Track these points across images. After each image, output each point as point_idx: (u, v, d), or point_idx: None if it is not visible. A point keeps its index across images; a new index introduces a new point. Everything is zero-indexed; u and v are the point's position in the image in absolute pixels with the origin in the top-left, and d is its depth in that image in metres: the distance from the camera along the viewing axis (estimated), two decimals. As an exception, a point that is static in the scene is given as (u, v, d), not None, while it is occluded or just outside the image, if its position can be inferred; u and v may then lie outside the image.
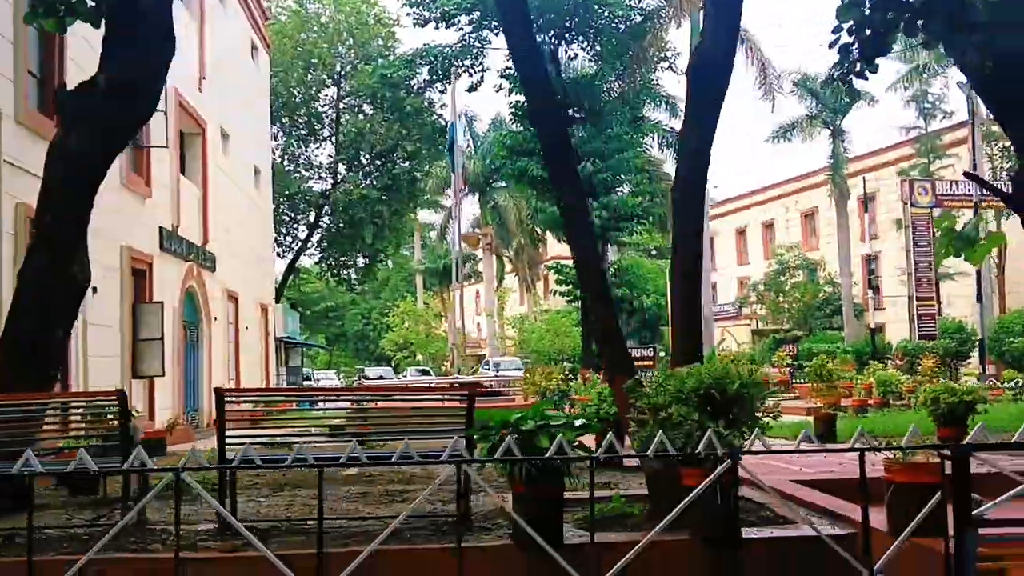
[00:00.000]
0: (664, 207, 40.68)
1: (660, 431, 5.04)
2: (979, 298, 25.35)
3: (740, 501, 6.91)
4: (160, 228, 19.17)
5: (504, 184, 44.98)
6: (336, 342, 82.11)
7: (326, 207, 40.43)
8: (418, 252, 69.61)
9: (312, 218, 41.02)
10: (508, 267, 61.30)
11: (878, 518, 5.71)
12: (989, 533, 4.97)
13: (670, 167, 43.25)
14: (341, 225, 40.40)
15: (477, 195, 54.74)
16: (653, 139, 41.75)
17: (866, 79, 8.58)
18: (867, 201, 48.85)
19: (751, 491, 7.53)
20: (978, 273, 25.56)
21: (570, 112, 36.08)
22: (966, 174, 9.44)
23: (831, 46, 8.41)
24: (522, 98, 36.09)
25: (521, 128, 36.20)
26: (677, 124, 46.86)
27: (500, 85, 35.95)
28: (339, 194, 39.34)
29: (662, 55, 35.26)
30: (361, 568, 4.76)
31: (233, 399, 7.23)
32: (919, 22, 8.06)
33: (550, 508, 5.77)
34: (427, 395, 9.30)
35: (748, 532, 6.02)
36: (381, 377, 47.52)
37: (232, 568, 5.78)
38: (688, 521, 5.75)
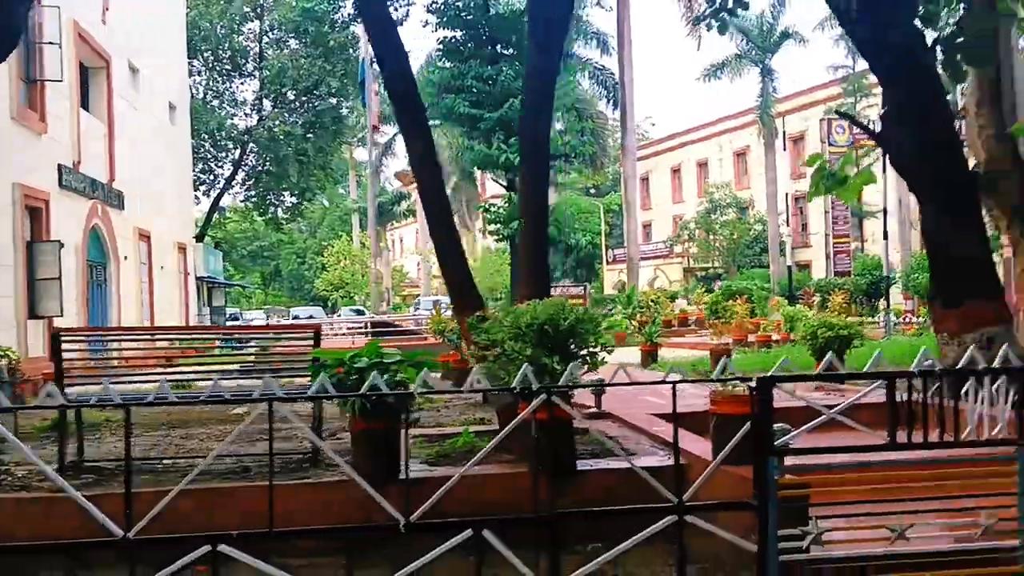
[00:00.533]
0: (595, 145, 40.66)
1: (478, 366, 5.07)
2: (885, 235, 25.84)
3: (589, 434, 7.03)
4: (59, 165, 18.59)
5: (437, 122, 44.47)
6: (271, 282, 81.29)
7: (251, 144, 39.61)
8: (353, 191, 68.87)
9: (236, 155, 40.17)
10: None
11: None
12: (794, 462, 5.13)
13: (602, 106, 43.16)
14: (266, 163, 39.67)
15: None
16: (585, 77, 41.60)
17: (736, 16, 8.58)
18: (796, 140, 49.30)
19: (610, 424, 7.65)
20: (884, 211, 26.05)
21: (497, 48, 35.73)
22: (838, 112, 9.53)
23: (703, -20, 8.36)
24: (450, 33, 35.61)
25: (449, 65, 35.73)
26: (609, 61, 46.70)
27: (427, 20, 35.40)
28: (263, 131, 38.54)
29: (591, -10, 34.95)
30: (176, 506, 4.74)
31: (71, 339, 7.10)
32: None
33: (386, 443, 5.79)
34: (276, 335, 9.24)
35: (584, 464, 6.11)
36: (311, 317, 47.17)
37: (48, 508, 5.72)
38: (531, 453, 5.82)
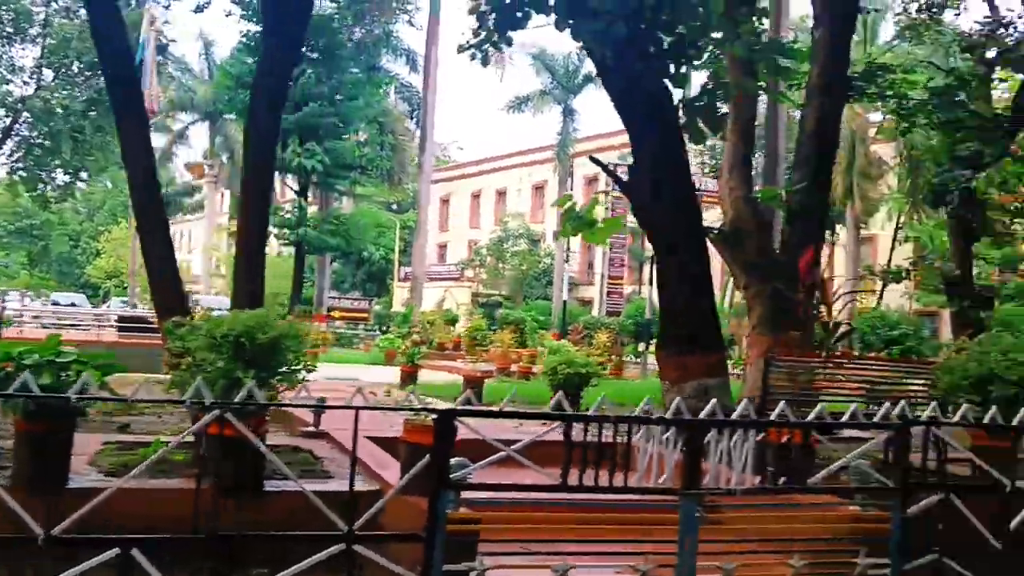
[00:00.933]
0: (393, 160, 40.53)
1: (172, 374, 4.78)
2: (649, 280, 27.00)
3: (292, 452, 6.81)
4: None
5: (232, 117, 42.93)
6: (39, 263, 75.57)
7: (25, 114, 36.71)
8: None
9: (7, 124, 37.11)
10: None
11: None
12: (473, 497, 5.13)
13: (411, 124, 43.06)
14: (39, 136, 36.87)
15: (207, 124, 52.11)
16: (391, 92, 41.45)
17: (500, 51, 8.67)
18: (591, 181, 51.09)
19: (323, 444, 7.47)
20: (651, 258, 27.20)
21: (303, 50, 34.95)
22: (591, 158, 9.85)
23: (470, 12, 8.41)
24: (251, 26, 34.47)
25: (250, 60, 34.56)
26: (417, 80, 46.67)
27: (230, 11, 34.20)
28: (39, 101, 35.82)
29: (402, 6, 34.88)
30: None
31: None
32: (550, 2, 8.21)
33: (51, 448, 5.35)
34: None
35: (274, 485, 5.89)
36: (73, 304, 44.09)
37: None
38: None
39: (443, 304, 50.57)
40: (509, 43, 8.38)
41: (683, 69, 8.46)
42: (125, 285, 59.10)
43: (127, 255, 57.50)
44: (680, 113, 8.51)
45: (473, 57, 8.45)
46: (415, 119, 40.94)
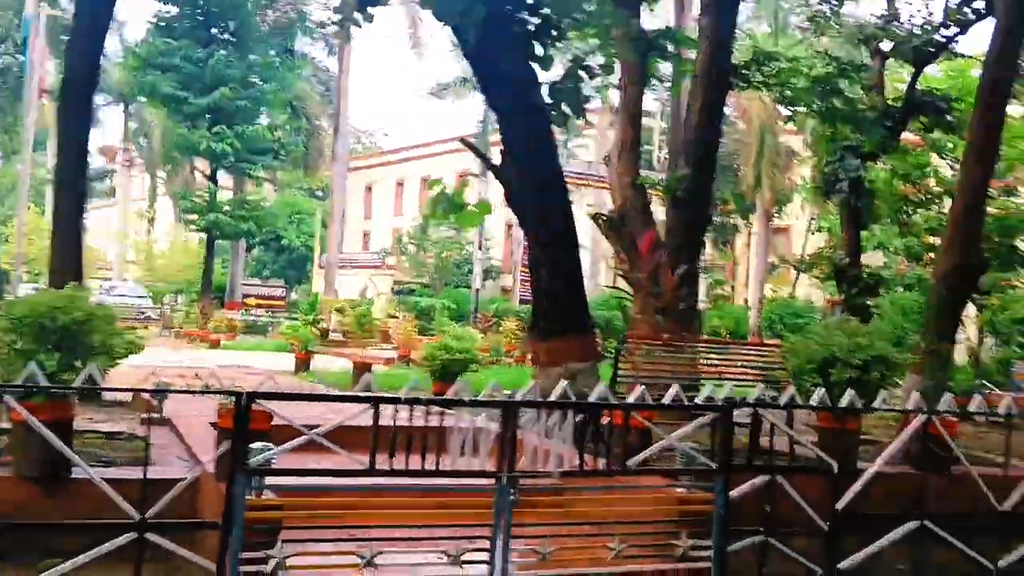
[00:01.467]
0: (309, 145, 39.93)
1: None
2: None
3: (128, 440, 6.58)
4: None
5: (143, 99, 41.76)
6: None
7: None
8: (52, 160, 63.34)
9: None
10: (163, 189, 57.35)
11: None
12: (282, 482, 4.97)
13: (322, 106, 42.34)
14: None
15: (122, 106, 50.64)
16: (309, 76, 40.77)
17: (359, 26, 8.49)
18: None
19: (165, 431, 7.23)
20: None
21: (212, 31, 34.10)
22: (462, 140, 9.72)
23: (332, -13, 8.18)
24: (164, 7, 33.58)
25: (159, 41, 33.63)
26: (333, 64, 45.92)
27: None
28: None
29: (316, -12, 34.32)
30: None
31: None
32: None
33: None
34: None
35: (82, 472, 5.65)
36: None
37: None
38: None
39: (366, 292, 50.07)
40: (370, 20, 8.19)
41: (550, 51, 8.36)
42: (37, 272, 57.30)
43: (39, 242, 55.81)
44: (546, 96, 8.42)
45: (338, 32, 8.27)
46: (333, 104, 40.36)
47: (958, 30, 15.26)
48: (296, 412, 5.98)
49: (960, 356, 20.82)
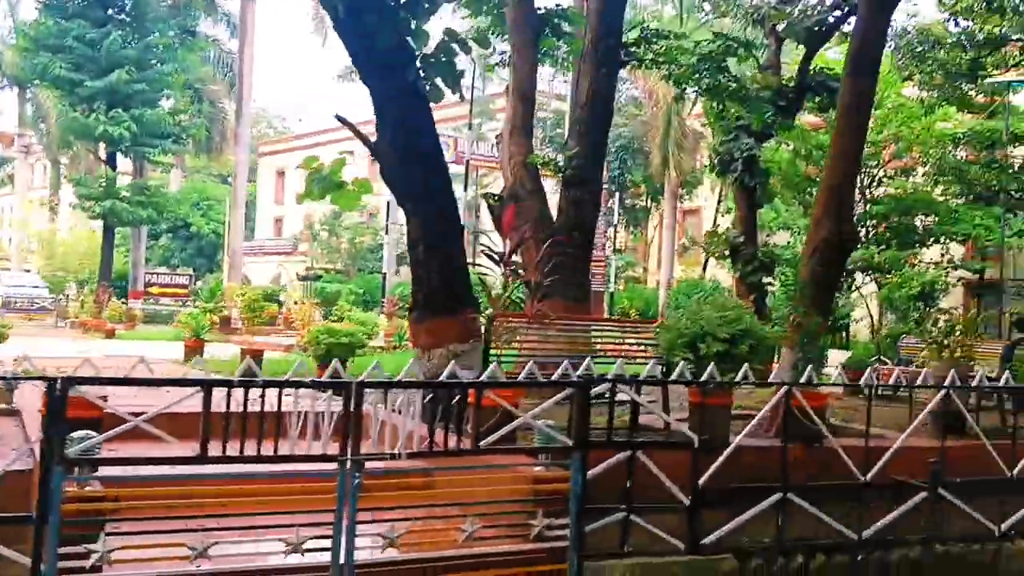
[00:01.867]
0: (212, 129, 38.89)
1: None
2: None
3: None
4: None
5: (36, 82, 40.14)
6: None
7: None
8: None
9: None
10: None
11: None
12: (112, 473, 4.71)
13: (226, 89, 41.20)
14: None
15: (17, 89, 48.61)
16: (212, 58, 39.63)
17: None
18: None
19: (12, 422, 6.87)
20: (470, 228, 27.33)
21: (108, 11, 32.88)
22: (336, 116, 9.45)
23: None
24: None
25: (50, 21, 32.27)
26: (236, 46, 44.84)
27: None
28: None
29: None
30: None
31: None
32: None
33: None
34: None
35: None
36: None
37: None
38: None
39: (279, 279, 49.18)
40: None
41: (422, 24, 8.14)
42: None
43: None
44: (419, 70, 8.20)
45: None
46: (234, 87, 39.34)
47: (847, 10, 15.50)
48: (142, 400, 5.72)
49: (864, 333, 21.34)
